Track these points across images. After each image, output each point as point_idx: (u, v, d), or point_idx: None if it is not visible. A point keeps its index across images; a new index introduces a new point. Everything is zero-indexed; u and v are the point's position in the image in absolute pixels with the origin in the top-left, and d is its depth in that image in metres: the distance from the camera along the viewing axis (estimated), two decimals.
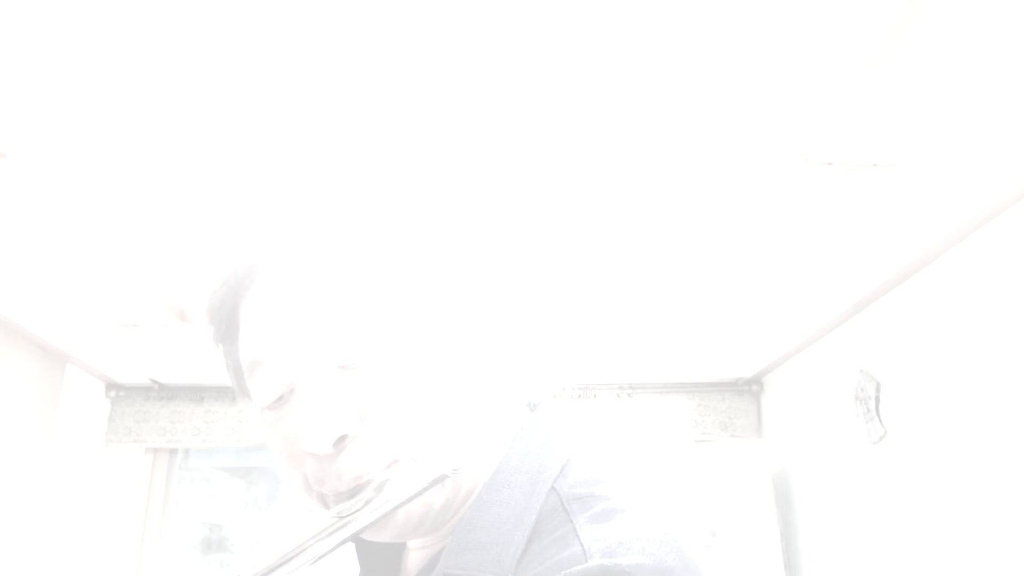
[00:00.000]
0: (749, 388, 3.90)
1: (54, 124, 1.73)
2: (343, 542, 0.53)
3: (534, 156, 1.89)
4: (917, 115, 1.63)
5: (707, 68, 1.57)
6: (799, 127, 1.77)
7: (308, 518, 0.56)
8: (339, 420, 0.54)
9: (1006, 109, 1.65)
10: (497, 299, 0.65)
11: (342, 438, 0.54)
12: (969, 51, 1.44)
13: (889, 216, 2.13)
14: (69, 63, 1.52)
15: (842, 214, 2.10)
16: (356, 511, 0.52)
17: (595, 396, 3.84)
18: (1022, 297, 2.00)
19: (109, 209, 2.12)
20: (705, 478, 3.53)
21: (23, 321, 2.87)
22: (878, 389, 2.70)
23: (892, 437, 2.63)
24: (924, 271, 2.41)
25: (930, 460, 2.40)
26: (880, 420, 2.68)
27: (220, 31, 1.45)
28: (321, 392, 0.55)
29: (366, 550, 0.68)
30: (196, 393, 3.83)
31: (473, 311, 0.62)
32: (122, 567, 3.64)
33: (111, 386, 3.80)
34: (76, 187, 2.00)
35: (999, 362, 2.08)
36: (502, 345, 0.63)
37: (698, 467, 3.58)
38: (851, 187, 1.94)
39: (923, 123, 1.67)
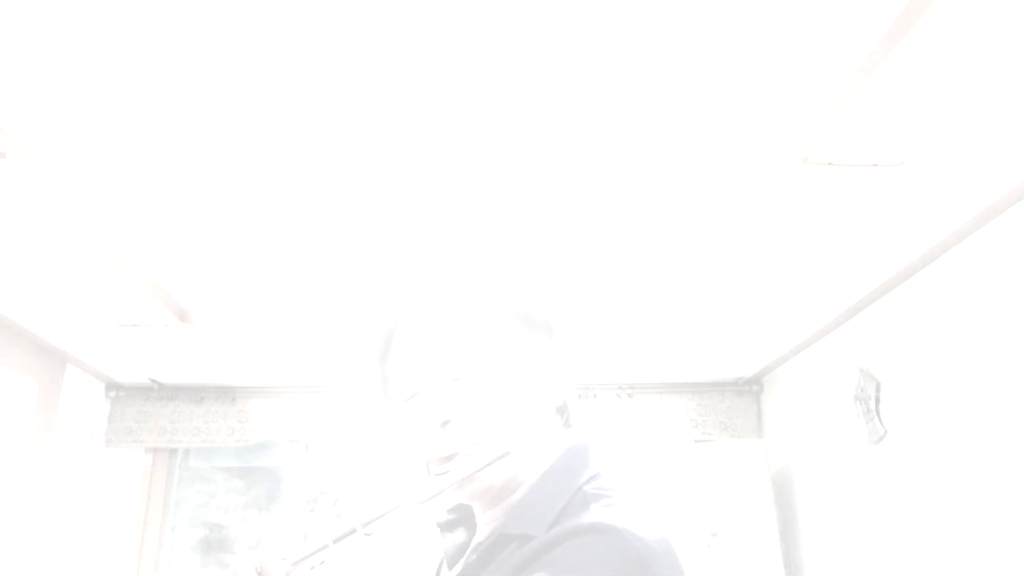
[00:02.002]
0: (749, 388, 3.90)
1: (54, 124, 1.73)
2: (439, 492, 0.79)
3: (538, 158, 1.89)
4: (917, 115, 1.63)
5: (707, 69, 1.57)
6: (799, 127, 1.77)
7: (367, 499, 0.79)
8: (447, 410, 0.84)
9: (1006, 109, 1.65)
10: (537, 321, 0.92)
11: (447, 422, 0.83)
12: (969, 51, 1.44)
13: (889, 216, 2.13)
14: (69, 64, 1.52)
15: (842, 214, 2.10)
16: (448, 471, 0.81)
17: (595, 396, 3.84)
18: (1022, 297, 2.00)
19: (109, 209, 2.13)
20: (705, 478, 3.53)
21: (23, 321, 2.88)
22: (878, 389, 2.70)
23: (892, 437, 2.63)
24: (924, 271, 2.41)
25: (930, 460, 2.40)
26: (880, 420, 2.68)
27: (219, 31, 1.45)
28: (438, 392, 0.85)
29: (449, 532, 0.95)
30: (196, 393, 3.84)
31: (530, 341, 0.91)
32: (122, 567, 3.64)
33: (111, 386, 3.80)
34: (76, 187, 2.00)
35: (999, 362, 2.08)
36: (546, 363, 0.91)
37: (698, 467, 3.58)
38: (851, 187, 1.94)
39: (923, 123, 1.67)
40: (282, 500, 3.88)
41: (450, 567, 0.93)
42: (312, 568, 0.74)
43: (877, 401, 2.69)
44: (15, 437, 2.99)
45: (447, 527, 0.96)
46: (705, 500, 3.47)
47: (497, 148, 1.85)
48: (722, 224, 2.22)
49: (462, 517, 0.95)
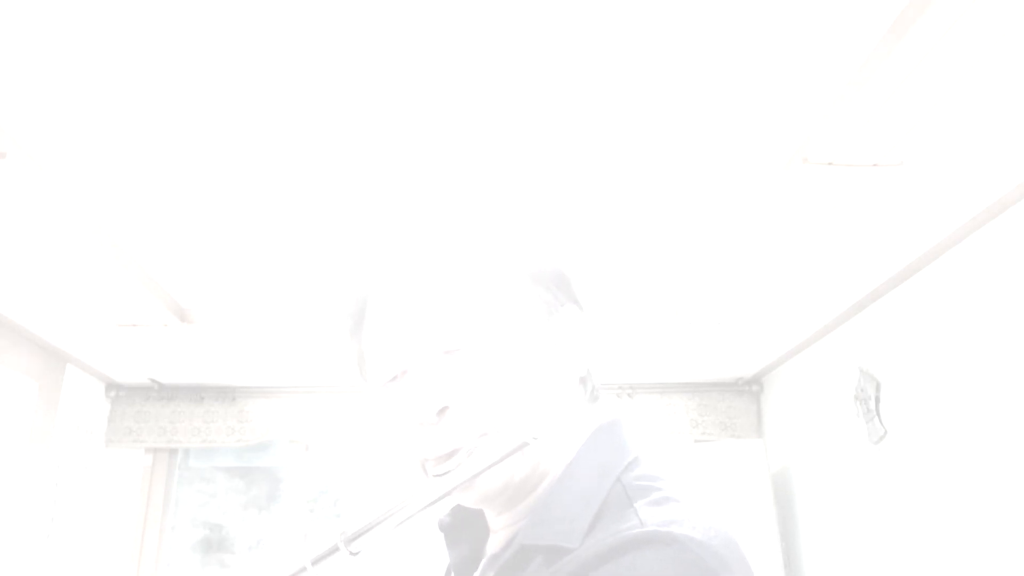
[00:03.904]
0: (749, 388, 3.90)
1: (54, 124, 1.73)
2: (440, 498, 0.63)
3: (537, 157, 1.89)
4: (917, 115, 1.63)
5: (708, 69, 1.57)
6: (799, 127, 1.77)
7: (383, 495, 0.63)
8: (442, 394, 0.66)
9: (1006, 109, 1.65)
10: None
11: (443, 409, 0.66)
12: (969, 51, 1.44)
13: (889, 216, 2.13)
14: (69, 64, 1.52)
15: (842, 214, 2.10)
16: (450, 471, 0.64)
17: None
18: (1022, 297, 2.00)
19: (109, 209, 2.12)
20: (705, 478, 3.53)
21: (23, 321, 2.87)
22: (878, 389, 2.70)
23: (892, 437, 2.63)
24: (924, 271, 2.41)
25: (930, 460, 2.40)
26: (880, 420, 2.68)
27: (218, 33, 1.45)
28: (428, 372, 0.67)
29: (454, 538, 0.80)
30: (196, 393, 3.84)
31: (545, 304, 0.74)
32: (122, 567, 3.64)
33: (111, 386, 3.80)
34: (76, 187, 2.00)
35: (999, 362, 2.08)
36: (568, 335, 0.74)
37: (698, 467, 3.58)
38: (851, 187, 1.95)
39: (923, 123, 1.67)
40: (282, 500, 3.88)
41: None
42: None
43: (877, 401, 2.69)
44: (15, 437, 2.99)
45: (450, 531, 0.80)
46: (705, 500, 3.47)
47: (497, 150, 1.85)
48: (722, 224, 2.22)
49: (468, 518, 0.80)
